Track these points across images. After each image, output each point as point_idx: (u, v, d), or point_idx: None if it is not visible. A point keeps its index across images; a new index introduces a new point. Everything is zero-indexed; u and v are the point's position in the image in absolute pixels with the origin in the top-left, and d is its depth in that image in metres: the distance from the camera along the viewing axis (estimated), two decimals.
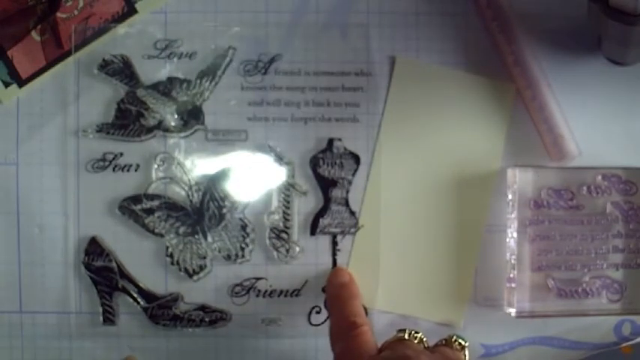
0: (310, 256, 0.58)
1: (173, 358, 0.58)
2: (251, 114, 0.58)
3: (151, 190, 0.57)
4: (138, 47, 0.58)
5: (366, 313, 0.57)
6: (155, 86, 0.57)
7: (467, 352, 0.50)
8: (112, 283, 0.57)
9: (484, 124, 0.58)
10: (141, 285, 0.57)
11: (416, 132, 0.58)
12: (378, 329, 0.58)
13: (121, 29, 0.58)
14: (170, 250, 0.57)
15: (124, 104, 0.57)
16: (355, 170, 0.58)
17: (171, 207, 0.57)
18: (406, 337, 0.50)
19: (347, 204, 0.58)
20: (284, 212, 0.58)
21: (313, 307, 0.58)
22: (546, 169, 0.57)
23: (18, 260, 0.58)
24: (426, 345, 0.50)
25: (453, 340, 0.50)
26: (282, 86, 0.58)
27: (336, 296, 0.56)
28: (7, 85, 0.58)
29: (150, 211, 0.57)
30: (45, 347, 0.58)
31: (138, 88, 0.57)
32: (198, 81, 0.58)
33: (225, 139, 0.58)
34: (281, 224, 0.58)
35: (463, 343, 0.50)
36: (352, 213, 0.58)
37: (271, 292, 0.58)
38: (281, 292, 0.58)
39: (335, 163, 0.58)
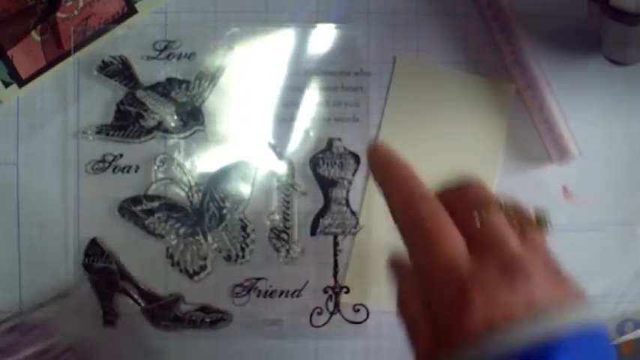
0: (311, 257, 0.58)
1: None
2: (250, 114, 0.58)
3: (150, 191, 0.57)
4: (137, 48, 0.58)
5: (367, 313, 0.57)
6: (154, 87, 0.58)
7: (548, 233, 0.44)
8: (112, 284, 0.57)
9: (484, 124, 0.58)
10: (141, 286, 0.57)
11: (416, 132, 0.58)
12: (378, 329, 0.58)
13: (120, 30, 0.58)
14: (170, 251, 0.57)
15: (124, 105, 0.57)
16: (355, 170, 0.58)
17: (172, 208, 0.57)
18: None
19: (347, 204, 0.58)
20: (284, 212, 0.58)
21: (315, 308, 0.58)
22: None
23: (18, 260, 0.58)
24: (509, 214, 0.43)
25: (541, 221, 0.43)
26: (282, 86, 0.58)
27: (388, 169, 0.46)
28: (7, 85, 0.58)
29: (150, 212, 0.57)
30: None
31: (137, 89, 0.57)
32: (197, 82, 0.58)
33: (225, 140, 0.58)
34: (281, 224, 0.58)
35: (549, 225, 0.43)
36: (353, 213, 0.58)
37: (272, 293, 0.58)
38: (282, 292, 0.58)
39: (335, 163, 0.58)
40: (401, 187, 0.45)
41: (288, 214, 0.58)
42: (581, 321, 0.38)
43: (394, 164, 0.46)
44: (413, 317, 0.42)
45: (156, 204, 0.57)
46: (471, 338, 0.38)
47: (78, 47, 0.58)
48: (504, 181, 0.58)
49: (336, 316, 0.58)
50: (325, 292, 0.58)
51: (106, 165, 0.58)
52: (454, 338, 0.38)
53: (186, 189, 0.57)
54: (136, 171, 0.58)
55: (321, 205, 0.58)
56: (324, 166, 0.58)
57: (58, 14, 0.58)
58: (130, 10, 0.58)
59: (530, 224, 0.43)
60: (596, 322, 0.40)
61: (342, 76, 0.58)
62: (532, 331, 0.37)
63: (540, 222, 0.43)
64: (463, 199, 0.43)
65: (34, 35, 0.58)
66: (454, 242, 0.41)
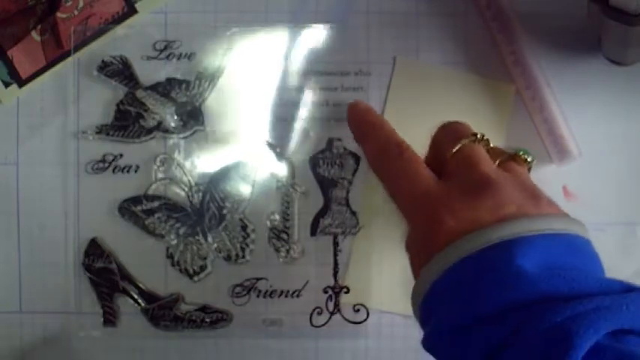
0: (311, 257, 0.58)
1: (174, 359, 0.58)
2: (250, 114, 0.58)
3: (150, 191, 0.57)
4: (137, 48, 0.58)
5: (367, 313, 0.57)
6: (154, 87, 0.58)
7: (531, 168, 0.48)
8: (112, 284, 0.57)
9: (484, 124, 0.58)
10: (141, 286, 0.57)
11: (416, 132, 0.58)
12: (377, 329, 0.58)
13: (120, 30, 0.58)
14: (170, 250, 0.57)
15: (124, 105, 0.57)
16: (355, 170, 0.58)
17: (172, 208, 0.57)
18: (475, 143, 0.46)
19: (347, 204, 0.58)
20: (284, 212, 0.58)
21: (315, 309, 0.58)
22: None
23: (18, 260, 0.58)
24: (489, 148, 0.47)
25: (521, 154, 0.47)
26: (282, 86, 0.58)
27: (365, 122, 0.52)
28: (7, 85, 0.58)
29: (150, 212, 0.57)
30: (45, 348, 0.58)
31: (137, 89, 0.57)
32: (197, 82, 0.58)
33: (225, 140, 0.58)
34: (281, 224, 0.58)
35: (529, 158, 0.48)
36: (353, 213, 0.58)
37: (272, 293, 0.58)
38: (282, 292, 0.58)
39: (335, 163, 0.58)
40: (374, 135, 0.50)
41: (288, 214, 0.58)
42: (555, 230, 0.40)
43: (370, 116, 0.52)
44: (411, 250, 0.47)
45: (156, 204, 0.57)
46: (438, 251, 0.41)
47: (78, 47, 0.58)
48: None
49: (336, 316, 0.58)
50: (325, 292, 0.58)
51: (106, 165, 0.58)
52: (426, 257, 0.42)
53: (186, 189, 0.57)
54: (136, 171, 0.58)
55: (321, 205, 0.58)
56: (324, 166, 0.58)
57: (58, 14, 0.58)
58: (130, 10, 0.58)
59: (509, 157, 0.47)
60: (578, 235, 0.41)
61: (341, 76, 0.58)
62: (498, 235, 0.39)
63: (521, 155, 0.47)
64: (445, 134, 0.48)
65: (34, 35, 0.58)
66: (421, 172, 0.45)
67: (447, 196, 0.43)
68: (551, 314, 0.36)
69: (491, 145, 0.48)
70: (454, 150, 0.46)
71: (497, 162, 0.47)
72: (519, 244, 0.39)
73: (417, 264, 0.44)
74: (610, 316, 0.36)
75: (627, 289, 0.39)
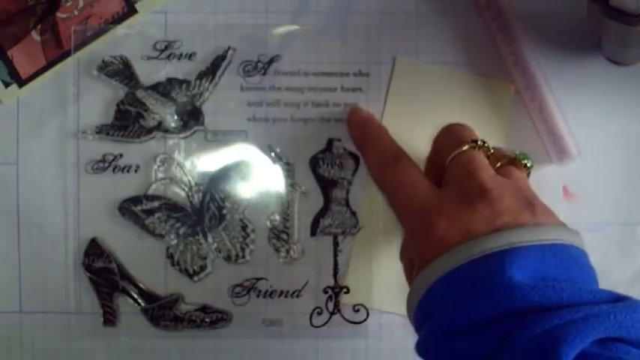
0: (311, 257, 0.58)
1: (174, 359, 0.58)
2: (251, 114, 0.58)
3: (150, 191, 0.57)
4: (137, 48, 0.58)
5: (367, 313, 0.57)
6: (154, 87, 0.57)
7: (530, 173, 0.49)
8: (112, 284, 0.57)
9: (484, 124, 0.58)
10: (141, 286, 0.57)
11: (416, 132, 0.58)
12: (377, 329, 0.58)
13: (121, 30, 0.58)
14: (170, 250, 0.57)
15: (124, 105, 0.57)
16: (355, 170, 0.58)
17: (172, 208, 0.57)
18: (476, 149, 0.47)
19: (347, 204, 0.58)
20: (284, 212, 0.58)
21: (315, 309, 0.58)
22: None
23: (18, 260, 0.58)
24: (490, 153, 0.48)
25: (521, 159, 0.48)
26: (282, 87, 0.58)
27: (364, 131, 0.55)
28: (7, 85, 0.58)
29: (150, 212, 0.57)
30: (45, 348, 0.58)
31: (137, 89, 0.57)
32: (198, 82, 0.58)
33: (225, 140, 0.58)
34: (281, 224, 0.58)
35: (528, 164, 0.49)
36: (353, 213, 0.58)
37: (272, 293, 0.58)
38: (282, 292, 0.58)
39: (335, 164, 0.58)
40: (373, 143, 0.53)
41: (288, 214, 0.58)
42: (551, 240, 0.41)
43: (370, 125, 0.55)
44: (407, 260, 0.49)
45: (156, 204, 0.57)
46: (433, 260, 0.42)
47: (78, 47, 0.58)
48: None
49: (336, 316, 0.58)
50: (325, 292, 0.58)
51: (106, 165, 0.58)
52: (421, 265, 0.43)
53: (186, 189, 0.57)
54: (136, 171, 0.58)
55: (321, 205, 0.58)
56: (324, 166, 0.58)
57: (58, 14, 0.58)
58: (130, 10, 0.58)
59: (509, 161, 0.48)
60: (573, 245, 0.41)
61: (341, 76, 0.58)
62: (492, 245, 0.40)
63: (520, 160, 0.48)
64: (446, 137, 0.49)
65: (34, 35, 0.58)
66: (417, 182, 0.47)
67: (443, 204, 0.44)
68: (540, 323, 0.37)
69: (492, 150, 0.48)
70: (453, 156, 0.46)
71: (497, 165, 0.47)
72: (513, 254, 0.39)
73: (412, 272, 0.45)
74: (597, 325, 0.36)
75: (616, 299, 0.39)
